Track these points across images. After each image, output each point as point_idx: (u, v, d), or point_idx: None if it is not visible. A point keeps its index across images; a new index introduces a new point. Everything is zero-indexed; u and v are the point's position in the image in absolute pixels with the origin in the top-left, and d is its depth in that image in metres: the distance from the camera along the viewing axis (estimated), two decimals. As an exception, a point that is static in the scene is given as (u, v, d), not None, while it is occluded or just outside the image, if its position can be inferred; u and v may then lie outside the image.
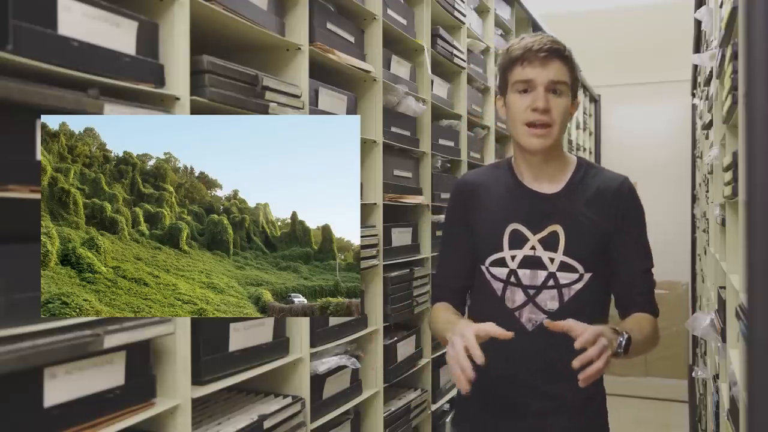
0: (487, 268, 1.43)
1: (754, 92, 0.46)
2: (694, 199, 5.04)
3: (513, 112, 1.37)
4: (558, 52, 1.35)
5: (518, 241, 1.40)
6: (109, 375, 1.13)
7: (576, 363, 1.14)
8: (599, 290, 1.41)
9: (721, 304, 1.75)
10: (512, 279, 1.40)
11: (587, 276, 1.38)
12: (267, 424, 1.52)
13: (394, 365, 2.16)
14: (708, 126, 2.65)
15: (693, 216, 5.10)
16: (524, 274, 1.39)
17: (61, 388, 1.04)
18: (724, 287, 1.72)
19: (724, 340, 1.68)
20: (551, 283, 1.38)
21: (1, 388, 0.96)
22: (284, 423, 1.58)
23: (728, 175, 1.54)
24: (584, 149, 5.89)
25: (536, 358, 1.39)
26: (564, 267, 1.38)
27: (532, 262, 1.39)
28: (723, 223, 1.85)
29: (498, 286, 1.41)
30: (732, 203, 1.69)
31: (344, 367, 1.84)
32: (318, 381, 1.75)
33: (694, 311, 4.87)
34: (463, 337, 1.17)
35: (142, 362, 1.21)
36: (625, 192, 1.42)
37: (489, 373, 1.22)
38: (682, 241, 5.59)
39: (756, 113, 0.45)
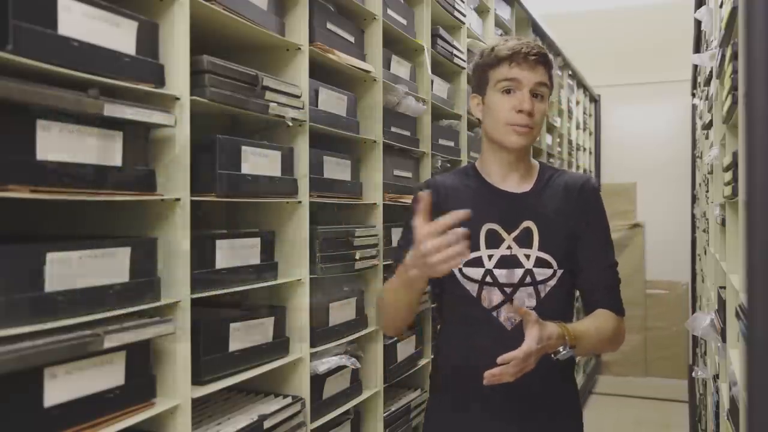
0: (460, 269, 1.41)
1: (754, 92, 0.46)
2: (694, 199, 5.04)
3: (495, 112, 1.38)
4: (545, 58, 1.38)
5: (494, 240, 1.40)
6: (109, 375, 1.13)
7: (488, 377, 1.16)
8: (569, 287, 1.44)
9: (721, 304, 1.75)
10: (488, 279, 1.40)
11: (560, 272, 1.40)
12: (267, 424, 1.52)
13: (394, 365, 2.16)
14: (708, 126, 2.65)
15: (693, 216, 5.10)
16: (500, 273, 1.39)
17: (61, 388, 1.04)
18: (724, 287, 1.72)
19: (724, 340, 1.68)
20: (528, 280, 1.39)
21: (1, 388, 0.96)
22: (284, 423, 1.58)
23: (728, 175, 1.54)
24: (584, 149, 5.89)
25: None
26: (540, 263, 1.39)
27: (508, 262, 1.39)
28: (723, 223, 1.85)
29: (472, 287, 1.40)
30: (732, 203, 1.69)
31: (344, 367, 1.84)
32: (318, 381, 1.75)
33: (694, 311, 4.87)
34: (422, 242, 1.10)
35: (142, 362, 1.21)
36: (589, 189, 1.45)
37: (470, 373, 1.20)
38: (682, 241, 5.59)
39: (756, 113, 0.45)
